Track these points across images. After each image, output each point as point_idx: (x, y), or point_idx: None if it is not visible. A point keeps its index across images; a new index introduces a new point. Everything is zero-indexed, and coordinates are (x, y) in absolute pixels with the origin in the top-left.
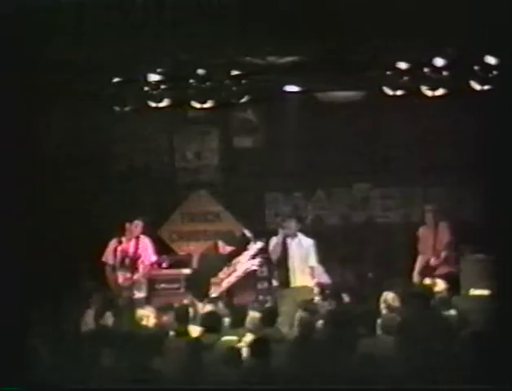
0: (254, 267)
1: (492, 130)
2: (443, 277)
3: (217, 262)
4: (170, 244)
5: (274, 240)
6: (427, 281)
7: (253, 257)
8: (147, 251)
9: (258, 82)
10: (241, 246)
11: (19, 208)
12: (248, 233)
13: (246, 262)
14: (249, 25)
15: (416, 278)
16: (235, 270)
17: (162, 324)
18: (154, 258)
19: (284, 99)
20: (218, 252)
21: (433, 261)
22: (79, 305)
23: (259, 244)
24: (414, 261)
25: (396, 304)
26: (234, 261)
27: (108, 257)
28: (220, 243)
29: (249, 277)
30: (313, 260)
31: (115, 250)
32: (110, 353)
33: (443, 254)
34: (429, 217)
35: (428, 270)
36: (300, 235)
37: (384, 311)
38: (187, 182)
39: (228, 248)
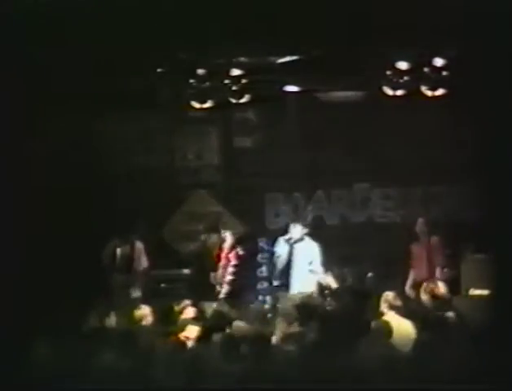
0: (240, 252)
1: (492, 130)
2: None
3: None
4: (171, 244)
5: (279, 251)
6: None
7: (234, 244)
8: (140, 257)
9: (258, 82)
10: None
11: (20, 209)
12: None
13: (232, 250)
14: (249, 25)
15: (408, 291)
16: (228, 263)
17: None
18: (146, 264)
19: (284, 99)
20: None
21: (426, 278)
22: (80, 306)
23: (227, 233)
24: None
25: (397, 303)
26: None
27: (106, 258)
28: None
29: (249, 276)
30: (317, 264)
31: (113, 252)
32: (109, 353)
33: (436, 272)
34: (422, 230)
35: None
36: (305, 239)
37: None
38: (187, 182)
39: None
